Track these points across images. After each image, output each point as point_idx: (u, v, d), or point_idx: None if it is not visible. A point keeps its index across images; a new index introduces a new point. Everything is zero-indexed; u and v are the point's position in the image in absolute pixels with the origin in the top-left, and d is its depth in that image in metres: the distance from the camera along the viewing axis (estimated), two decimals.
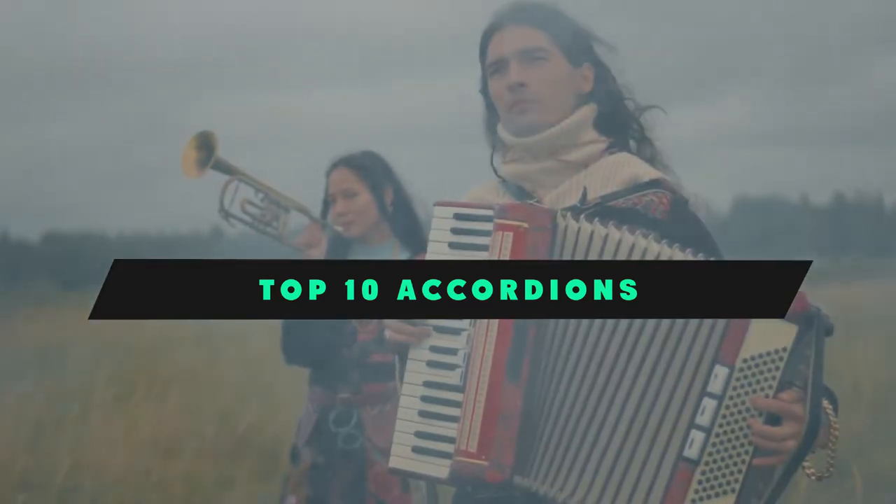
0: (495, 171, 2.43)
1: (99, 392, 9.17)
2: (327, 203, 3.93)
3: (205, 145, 3.71)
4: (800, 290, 2.01)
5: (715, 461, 2.01)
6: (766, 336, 2.01)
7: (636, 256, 2.08)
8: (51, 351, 13.72)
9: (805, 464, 2.04)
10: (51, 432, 7.87)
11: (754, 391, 2.01)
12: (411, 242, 3.88)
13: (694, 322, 2.04)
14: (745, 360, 2.01)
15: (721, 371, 2.01)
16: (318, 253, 3.81)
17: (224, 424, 8.06)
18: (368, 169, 3.85)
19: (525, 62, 2.28)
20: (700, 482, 2.01)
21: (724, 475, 2.01)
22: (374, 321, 3.77)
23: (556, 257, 2.10)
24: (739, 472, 2.01)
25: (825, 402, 2.08)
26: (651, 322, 2.05)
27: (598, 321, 2.07)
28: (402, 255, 3.86)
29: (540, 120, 2.28)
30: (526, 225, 2.10)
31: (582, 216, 2.12)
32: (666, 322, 2.05)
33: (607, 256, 2.09)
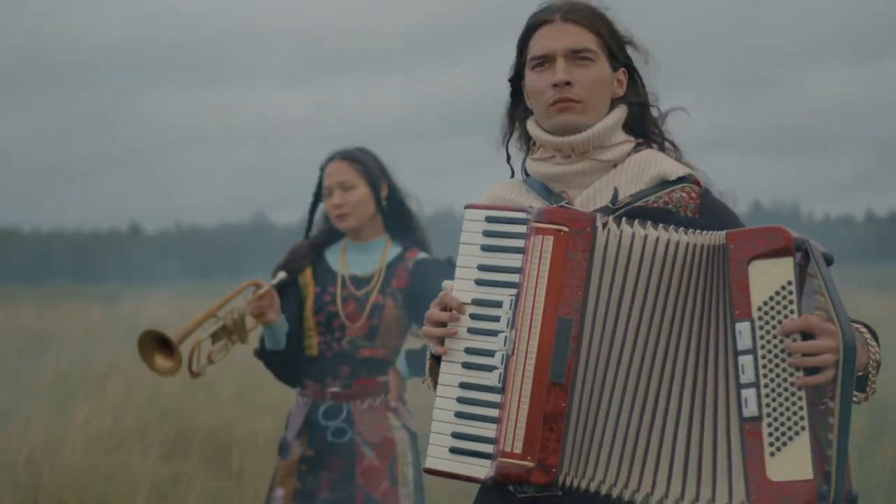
0: (512, 169, 2.47)
1: (33, 388, 9.06)
2: (318, 196, 3.97)
3: (156, 340, 3.72)
4: (778, 224, 2.09)
5: (775, 409, 2.05)
6: (768, 278, 2.07)
7: (671, 250, 2.14)
8: None
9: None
10: None
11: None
12: (403, 238, 3.93)
13: (701, 288, 2.12)
14: (759, 308, 2.07)
15: (743, 327, 2.08)
16: (273, 315, 3.80)
17: (167, 421, 8.00)
18: (365, 163, 3.89)
19: (573, 61, 2.31)
20: (770, 434, 2.05)
21: (789, 418, 2.05)
22: (364, 316, 3.83)
23: (597, 261, 2.15)
24: (801, 409, 2.04)
25: (860, 326, 2.16)
26: (671, 301, 2.13)
27: (636, 308, 2.13)
28: (394, 250, 3.91)
29: (580, 120, 2.31)
30: (566, 229, 2.15)
31: (623, 220, 2.17)
32: (682, 297, 2.12)
33: (647, 256, 2.14)
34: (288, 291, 3.92)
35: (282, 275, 3.85)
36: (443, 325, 2.21)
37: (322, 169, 3.93)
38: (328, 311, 3.85)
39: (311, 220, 4.01)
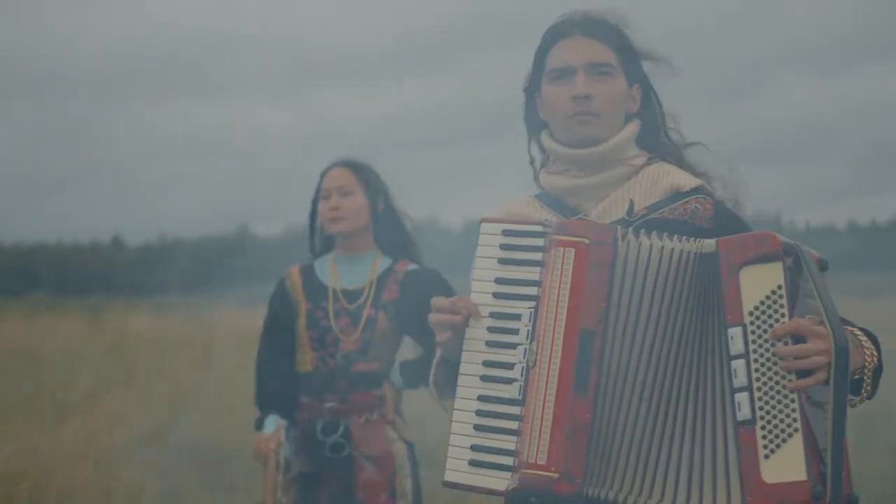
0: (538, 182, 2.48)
1: (21, 404, 9.02)
2: (315, 203, 3.96)
3: None
4: (768, 231, 2.12)
5: (768, 412, 2.07)
6: (758, 283, 2.10)
7: (684, 261, 2.15)
8: None
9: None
10: None
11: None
12: (395, 253, 3.92)
13: (703, 296, 2.13)
14: (750, 313, 2.10)
15: (735, 332, 2.10)
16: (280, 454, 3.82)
17: (161, 436, 7.98)
18: (366, 173, 3.91)
19: (592, 75, 2.33)
20: (764, 437, 2.07)
21: (782, 420, 2.07)
22: (357, 331, 3.83)
23: (618, 272, 2.16)
24: (794, 411, 2.07)
25: (855, 329, 2.18)
26: (681, 310, 2.14)
27: (652, 318, 2.14)
28: (384, 262, 3.90)
29: (597, 134, 2.34)
30: (587, 241, 2.15)
31: (641, 232, 2.18)
32: (689, 306, 2.14)
33: (663, 266, 2.16)
34: (281, 312, 3.93)
35: (282, 422, 3.83)
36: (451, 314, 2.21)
37: (322, 175, 3.94)
38: (321, 327, 3.84)
39: (312, 228, 4.00)
